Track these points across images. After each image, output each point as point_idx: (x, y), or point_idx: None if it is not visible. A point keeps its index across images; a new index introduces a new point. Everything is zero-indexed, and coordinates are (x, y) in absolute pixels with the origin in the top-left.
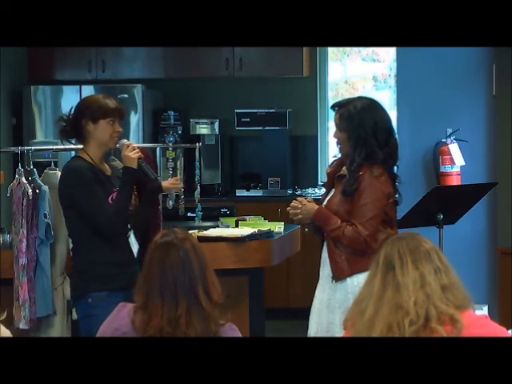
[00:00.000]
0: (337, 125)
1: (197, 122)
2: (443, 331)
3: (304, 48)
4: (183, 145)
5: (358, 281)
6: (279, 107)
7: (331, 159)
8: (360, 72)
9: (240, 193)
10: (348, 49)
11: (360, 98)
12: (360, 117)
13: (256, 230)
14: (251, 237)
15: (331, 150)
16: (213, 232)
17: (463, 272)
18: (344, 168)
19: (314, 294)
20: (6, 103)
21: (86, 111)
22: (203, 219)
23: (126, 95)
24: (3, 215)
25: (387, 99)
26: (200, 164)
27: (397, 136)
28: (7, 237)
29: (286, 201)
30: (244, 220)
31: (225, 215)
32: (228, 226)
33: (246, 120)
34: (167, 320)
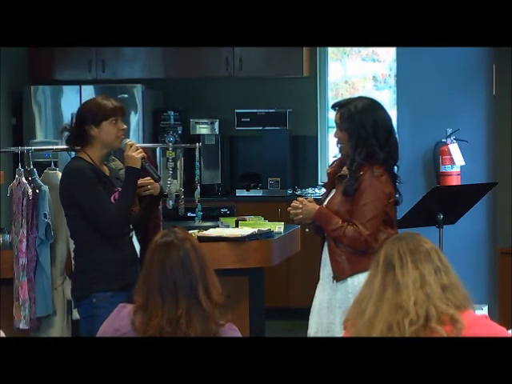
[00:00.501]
0: (337, 124)
1: (197, 122)
2: (443, 331)
3: (304, 48)
4: (183, 145)
5: (358, 281)
6: (279, 107)
7: (331, 159)
8: (360, 72)
9: (240, 193)
10: (348, 49)
11: (361, 97)
12: (361, 117)
13: (256, 230)
14: (251, 237)
15: (331, 149)
16: (213, 232)
17: (463, 272)
18: (344, 168)
19: (314, 294)
20: (6, 103)
21: (87, 116)
22: (203, 219)
23: (126, 95)
24: (3, 215)
25: (387, 99)
26: (200, 164)
27: (397, 136)
28: (7, 237)
29: (285, 201)
30: (244, 220)
31: (225, 215)
32: (228, 226)
33: (245, 120)
34: (167, 320)
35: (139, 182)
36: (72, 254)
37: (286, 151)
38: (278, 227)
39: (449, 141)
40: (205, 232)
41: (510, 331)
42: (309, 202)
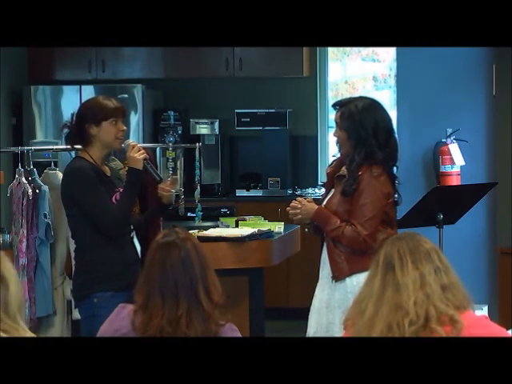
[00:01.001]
0: (337, 124)
1: (197, 122)
2: (443, 331)
3: (304, 48)
4: (183, 145)
5: (357, 281)
6: (279, 107)
7: (331, 159)
8: (360, 72)
9: (240, 193)
10: (348, 49)
11: (361, 97)
12: (361, 116)
13: (256, 230)
14: (251, 237)
15: (331, 149)
16: (213, 232)
17: (463, 272)
18: (343, 168)
19: (313, 294)
20: (6, 103)
21: (87, 115)
22: (203, 219)
23: (126, 95)
24: (3, 215)
25: (387, 99)
26: (200, 164)
27: (397, 136)
28: (7, 237)
29: (285, 201)
30: (244, 220)
31: (225, 215)
32: (228, 226)
33: (246, 120)
34: (167, 320)
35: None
36: (73, 254)
37: (286, 151)
38: (278, 227)
39: (449, 141)
40: (205, 232)
41: (509, 331)
42: (308, 201)
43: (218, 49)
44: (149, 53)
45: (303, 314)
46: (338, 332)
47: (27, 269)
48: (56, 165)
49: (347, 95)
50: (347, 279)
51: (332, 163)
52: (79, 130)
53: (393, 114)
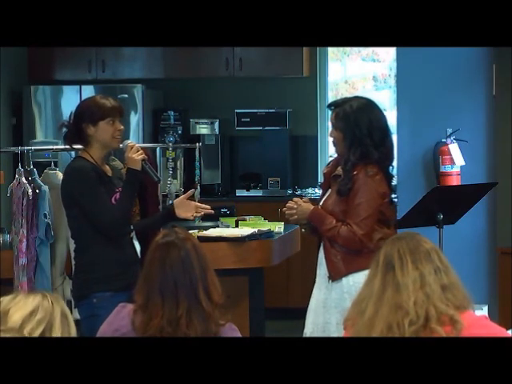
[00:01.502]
0: (333, 124)
1: (197, 122)
2: (443, 332)
3: (304, 48)
4: (183, 145)
5: (353, 280)
6: (279, 107)
7: (330, 159)
8: (360, 72)
9: (240, 193)
10: (348, 49)
11: (356, 97)
12: (356, 116)
13: (256, 230)
14: (251, 237)
15: (331, 150)
16: (213, 232)
17: (463, 272)
18: (339, 168)
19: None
20: (6, 103)
21: (85, 115)
22: (203, 219)
23: (126, 95)
24: (3, 215)
25: (387, 99)
26: (200, 164)
27: (395, 136)
28: (7, 237)
29: (285, 201)
30: (244, 220)
31: (225, 215)
32: (228, 226)
33: (246, 120)
34: (167, 320)
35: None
36: (72, 254)
37: (286, 151)
38: (278, 227)
39: (449, 141)
40: (205, 232)
41: (509, 331)
42: (304, 202)
43: (217, 49)
44: (149, 53)
45: (303, 314)
46: (334, 332)
47: (27, 269)
48: (56, 165)
49: (347, 95)
50: (344, 279)
51: (329, 163)
52: (77, 129)
53: (393, 114)
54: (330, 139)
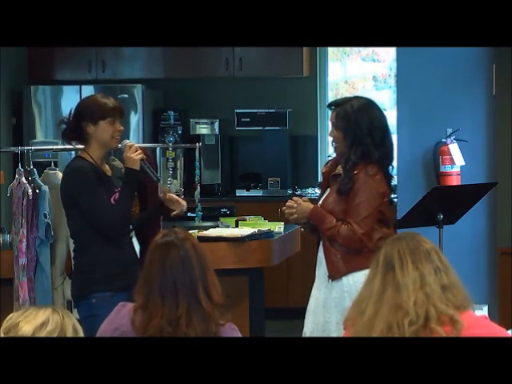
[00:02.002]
0: (333, 123)
1: (197, 122)
2: (443, 332)
3: (304, 48)
4: (183, 145)
5: (353, 279)
6: (279, 107)
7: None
8: (360, 72)
9: (240, 193)
10: (348, 49)
11: (357, 97)
12: (356, 116)
13: (256, 230)
14: (251, 237)
15: (331, 150)
16: (213, 232)
17: (463, 272)
18: (339, 167)
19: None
20: (6, 103)
21: (85, 113)
22: (203, 219)
23: (126, 95)
24: (3, 215)
25: (387, 99)
26: (200, 164)
27: (395, 136)
28: (7, 237)
29: (285, 201)
30: (244, 220)
31: (225, 215)
32: (228, 226)
33: (245, 120)
34: (167, 320)
35: (169, 195)
36: (72, 254)
37: (286, 151)
38: (278, 227)
39: (449, 141)
40: (205, 232)
41: (509, 331)
42: (303, 201)
43: (217, 49)
44: (149, 53)
45: (303, 313)
46: (334, 331)
47: (27, 269)
48: (56, 165)
49: (347, 95)
50: (343, 278)
51: (328, 163)
52: (76, 127)
53: (393, 114)
54: (330, 139)
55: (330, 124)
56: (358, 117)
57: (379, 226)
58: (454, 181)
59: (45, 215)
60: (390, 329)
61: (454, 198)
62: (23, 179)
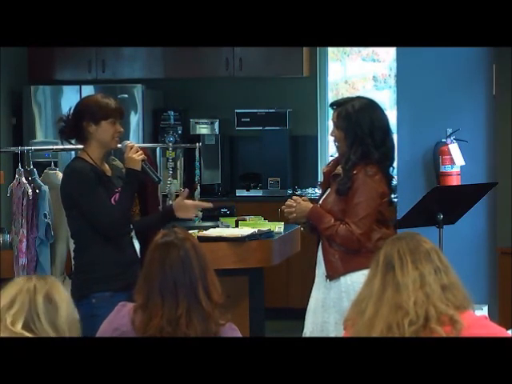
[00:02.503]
0: (334, 123)
1: (197, 122)
2: (443, 332)
3: (304, 48)
4: (183, 145)
5: (351, 279)
6: (279, 107)
7: (330, 159)
8: (360, 72)
9: (240, 193)
10: (348, 49)
11: (359, 97)
12: (357, 116)
13: (256, 230)
14: (251, 237)
15: (331, 149)
16: (213, 232)
17: (463, 272)
18: (339, 167)
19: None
20: (6, 103)
21: (87, 112)
22: (203, 219)
23: (126, 95)
24: (3, 215)
25: (387, 99)
26: (200, 164)
27: (396, 136)
28: (7, 237)
29: (285, 201)
30: (244, 220)
31: (225, 215)
32: (228, 226)
33: (246, 120)
34: (167, 320)
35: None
36: (72, 254)
37: (286, 151)
38: (278, 227)
39: (449, 141)
40: (205, 232)
41: (509, 331)
42: (303, 200)
43: (217, 49)
44: (149, 53)
45: (303, 314)
46: (333, 331)
47: (27, 269)
48: (56, 165)
49: (347, 95)
50: (342, 278)
51: (329, 163)
52: (76, 125)
53: (393, 114)
54: (331, 139)
55: (331, 124)
56: (359, 117)
57: (378, 226)
58: (454, 181)
59: (45, 215)
60: (390, 329)
61: (454, 198)
62: (23, 179)
